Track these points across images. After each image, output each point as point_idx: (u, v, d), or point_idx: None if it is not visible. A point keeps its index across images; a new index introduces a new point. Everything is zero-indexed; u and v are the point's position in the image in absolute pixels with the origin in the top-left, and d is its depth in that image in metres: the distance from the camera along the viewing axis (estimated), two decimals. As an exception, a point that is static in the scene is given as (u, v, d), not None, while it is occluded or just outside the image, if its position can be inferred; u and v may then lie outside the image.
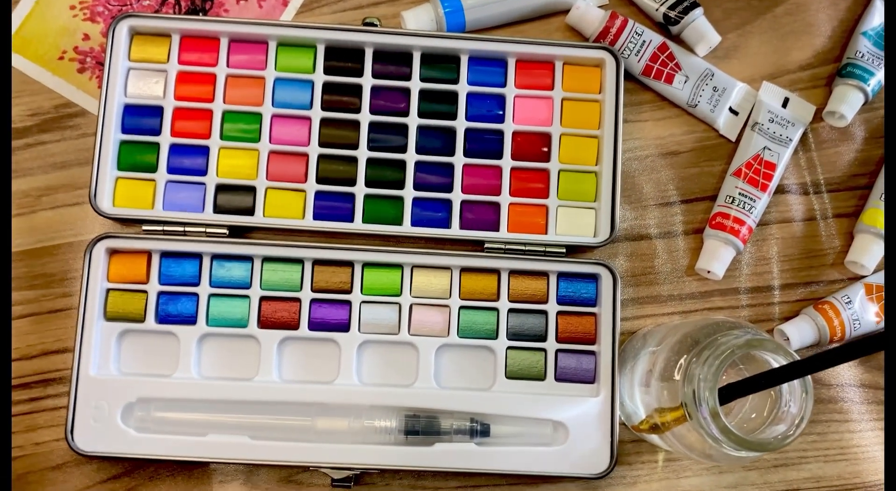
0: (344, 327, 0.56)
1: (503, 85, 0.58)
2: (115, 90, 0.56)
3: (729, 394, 0.45)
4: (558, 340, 0.56)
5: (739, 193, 0.58)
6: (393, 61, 0.58)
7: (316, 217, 0.57)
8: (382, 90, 0.58)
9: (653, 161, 0.60)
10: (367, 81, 0.58)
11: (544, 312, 0.57)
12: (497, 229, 0.57)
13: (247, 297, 0.56)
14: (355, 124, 0.57)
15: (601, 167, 0.57)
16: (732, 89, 0.60)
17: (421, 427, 0.54)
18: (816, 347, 0.57)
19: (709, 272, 0.58)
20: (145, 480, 0.55)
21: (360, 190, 0.57)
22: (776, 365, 0.46)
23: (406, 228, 0.57)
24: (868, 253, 0.57)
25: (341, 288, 0.56)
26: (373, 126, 0.58)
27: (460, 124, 0.58)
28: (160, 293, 0.56)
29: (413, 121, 0.58)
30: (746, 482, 0.57)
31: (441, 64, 0.58)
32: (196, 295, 0.56)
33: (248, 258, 0.56)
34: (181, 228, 0.56)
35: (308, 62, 0.58)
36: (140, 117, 0.57)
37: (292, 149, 0.57)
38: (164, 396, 0.54)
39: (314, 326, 0.56)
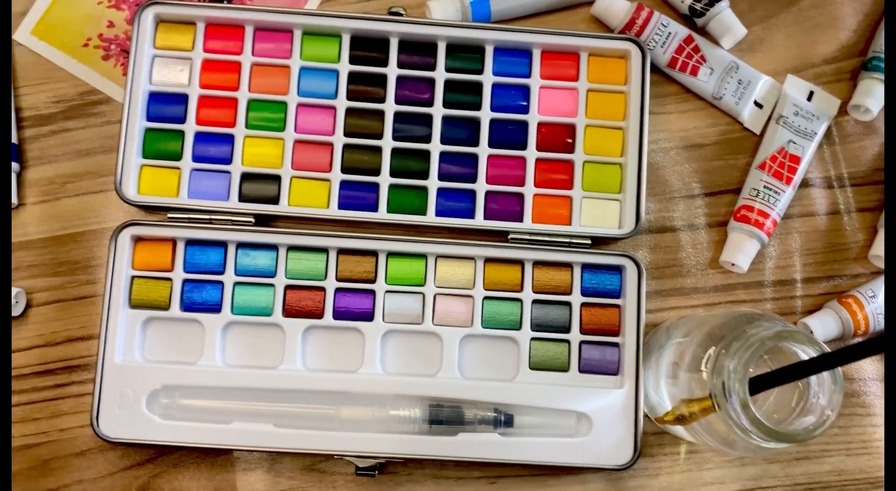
0: (368, 317, 0.56)
1: (528, 76, 0.58)
2: (141, 78, 0.56)
3: (758, 385, 0.45)
4: (582, 331, 0.56)
5: (764, 186, 0.58)
6: (418, 51, 0.58)
7: (341, 206, 0.57)
8: (407, 80, 0.58)
9: (677, 153, 0.60)
10: (392, 71, 0.58)
11: (568, 304, 0.57)
12: (521, 220, 0.57)
13: (271, 285, 0.56)
14: (380, 114, 0.57)
15: (626, 159, 0.57)
16: (757, 82, 0.60)
17: (445, 417, 0.54)
18: (840, 340, 0.57)
19: (733, 265, 0.58)
20: (169, 467, 0.56)
21: (384, 180, 0.57)
22: (804, 357, 0.46)
23: (430, 218, 0.57)
24: (893, 247, 0.57)
25: (365, 277, 0.56)
26: (397, 116, 0.58)
27: (485, 115, 0.58)
28: (185, 281, 0.56)
29: (438, 111, 0.58)
30: (768, 475, 0.57)
31: (466, 54, 0.58)
32: (221, 283, 0.56)
33: (273, 247, 0.56)
34: (207, 217, 0.56)
35: (333, 51, 0.58)
36: (165, 105, 0.57)
37: (317, 138, 0.57)
38: (189, 383, 0.54)
39: (338, 314, 0.56)
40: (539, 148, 0.58)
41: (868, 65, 0.60)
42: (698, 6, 0.59)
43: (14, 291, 0.56)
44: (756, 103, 0.60)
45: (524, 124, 0.58)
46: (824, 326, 0.56)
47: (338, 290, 0.56)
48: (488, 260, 0.57)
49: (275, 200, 0.56)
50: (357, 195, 0.57)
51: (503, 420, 0.54)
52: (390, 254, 0.57)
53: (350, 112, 0.57)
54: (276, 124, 0.57)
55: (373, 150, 0.57)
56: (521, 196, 0.57)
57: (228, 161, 0.57)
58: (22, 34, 0.60)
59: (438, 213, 0.57)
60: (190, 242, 0.56)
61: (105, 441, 0.53)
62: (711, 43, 0.60)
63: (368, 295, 0.56)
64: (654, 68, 0.59)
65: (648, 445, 0.56)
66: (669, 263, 0.59)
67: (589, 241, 0.57)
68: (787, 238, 0.59)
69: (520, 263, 0.57)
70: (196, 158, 0.57)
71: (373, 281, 0.56)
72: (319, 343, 0.56)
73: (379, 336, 0.56)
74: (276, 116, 0.57)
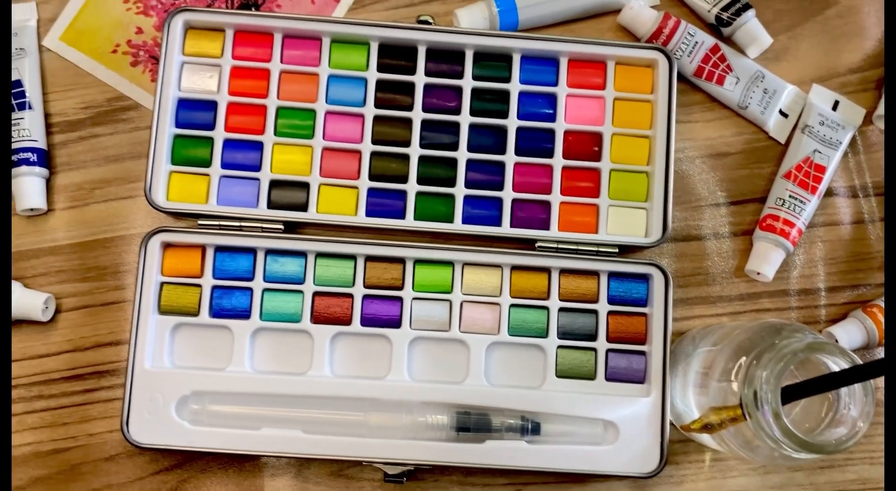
0: (395, 323, 0.56)
1: (555, 84, 0.59)
2: (170, 84, 0.57)
3: (789, 395, 0.45)
4: (609, 339, 0.56)
5: (790, 196, 0.58)
6: (445, 59, 0.58)
7: (368, 214, 0.57)
8: (435, 88, 0.58)
9: (702, 162, 0.60)
10: (419, 79, 0.58)
11: (595, 312, 0.57)
12: (547, 228, 0.57)
13: (300, 292, 0.56)
14: (408, 122, 0.58)
15: (653, 167, 0.57)
16: (783, 92, 0.60)
17: (472, 424, 0.54)
18: (865, 349, 0.58)
19: (758, 274, 0.58)
20: (197, 473, 0.56)
21: (412, 187, 0.57)
22: (834, 368, 0.46)
23: (457, 226, 0.57)
24: (918, 257, 0.58)
25: (393, 284, 0.57)
26: (425, 124, 0.58)
27: (512, 123, 0.58)
28: (214, 287, 0.56)
29: (465, 119, 0.58)
30: (793, 483, 0.57)
31: (493, 62, 0.58)
32: (250, 289, 0.56)
33: (302, 254, 0.56)
34: (236, 224, 0.56)
35: (362, 59, 0.58)
36: (194, 112, 0.57)
37: (345, 146, 0.57)
38: (218, 389, 0.55)
39: (366, 321, 0.56)
40: (566, 156, 0.58)
41: (893, 74, 0.60)
42: (725, 16, 0.59)
43: (43, 296, 0.56)
44: (781, 112, 0.60)
45: (551, 132, 0.58)
46: (849, 335, 0.57)
47: (365, 296, 0.56)
48: (515, 268, 0.57)
49: (303, 207, 0.57)
50: (385, 202, 0.57)
51: (530, 428, 0.54)
52: (417, 261, 0.57)
53: (378, 120, 0.58)
54: (305, 132, 0.57)
55: (400, 158, 0.57)
56: (547, 204, 0.58)
57: (257, 168, 0.57)
58: (51, 40, 0.60)
59: (465, 221, 0.57)
60: (219, 249, 0.56)
61: (134, 446, 0.54)
62: (737, 52, 0.60)
63: (396, 302, 0.57)
64: (680, 77, 0.60)
65: (673, 453, 0.57)
66: (695, 272, 0.59)
67: (616, 250, 0.57)
68: (811, 247, 0.60)
69: (546, 270, 0.57)
70: (225, 165, 0.57)
71: (400, 288, 0.57)
72: (347, 350, 0.56)
73: (406, 343, 0.56)
74: (305, 124, 0.57)
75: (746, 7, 0.59)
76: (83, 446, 0.56)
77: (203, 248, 0.56)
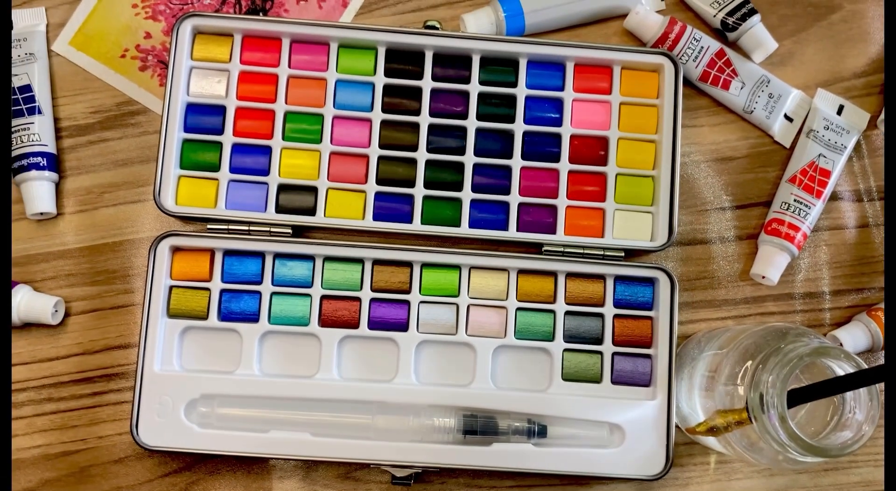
0: (403, 327, 0.57)
1: (561, 88, 0.59)
2: (179, 89, 0.57)
3: (795, 399, 0.45)
4: (615, 342, 0.57)
5: (795, 200, 0.58)
6: (452, 64, 0.59)
7: (376, 218, 0.57)
8: (442, 93, 0.58)
9: (708, 166, 0.61)
10: (426, 84, 0.58)
11: (601, 315, 0.57)
12: (554, 232, 0.58)
13: (308, 295, 0.57)
14: (415, 127, 0.58)
15: (659, 172, 0.58)
16: (788, 96, 0.60)
17: (479, 427, 0.55)
18: (869, 352, 0.58)
19: (763, 277, 0.58)
20: (205, 475, 0.56)
21: (418, 191, 0.57)
22: (840, 372, 0.47)
23: (464, 230, 0.57)
24: (922, 261, 0.58)
25: (400, 288, 0.57)
26: (432, 128, 0.58)
27: (518, 127, 0.58)
28: (223, 291, 0.57)
29: (472, 123, 0.58)
30: (797, 485, 0.57)
31: (500, 67, 0.59)
32: (258, 293, 0.56)
33: (310, 258, 0.57)
34: (245, 228, 0.56)
35: (369, 64, 0.58)
36: (202, 116, 0.58)
37: (353, 150, 0.58)
38: (227, 392, 0.55)
39: (374, 325, 0.57)
40: (572, 160, 0.58)
41: (897, 79, 0.60)
42: (730, 20, 0.60)
43: (53, 299, 0.57)
44: (786, 117, 0.61)
45: (557, 137, 0.58)
46: (854, 338, 0.57)
47: (373, 300, 0.57)
48: (521, 271, 0.58)
49: (311, 212, 0.57)
50: (392, 207, 0.57)
51: (537, 431, 0.55)
52: (424, 265, 0.57)
53: (385, 124, 0.58)
54: (313, 136, 0.58)
55: (407, 162, 0.58)
56: (554, 208, 0.58)
57: (266, 172, 0.57)
58: (60, 45, 0.60)
59: (472, 225, 0.57)
60: (228, 253, 0.57)
61: (143, 449, 0.54)
62: (743, 57, 0.61)
63: (403, 305, 0.57)
64: (686, 82, 0.60)
65: (678, 456, 0.57)
66: (700, 275, 0.59)
67: (622, 254, 0.57)
68: (816, 251, 0.60)
69: (552, 274, 0.58)
70: (233, 169, 0.57)
71: (407, 291, 0.57)
72: (355, 353, 0.57)
73: (413, 346, 0.56)
74: (313, 128, 0.58)
75: (752, 12, 0.60)
76: (92, 449, 0.57)
77: (212, 251, 0.57)
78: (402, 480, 0.54)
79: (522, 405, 0.55)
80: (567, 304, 0.57)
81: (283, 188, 0.57)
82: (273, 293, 0.57)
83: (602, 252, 0.57)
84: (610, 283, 0.57)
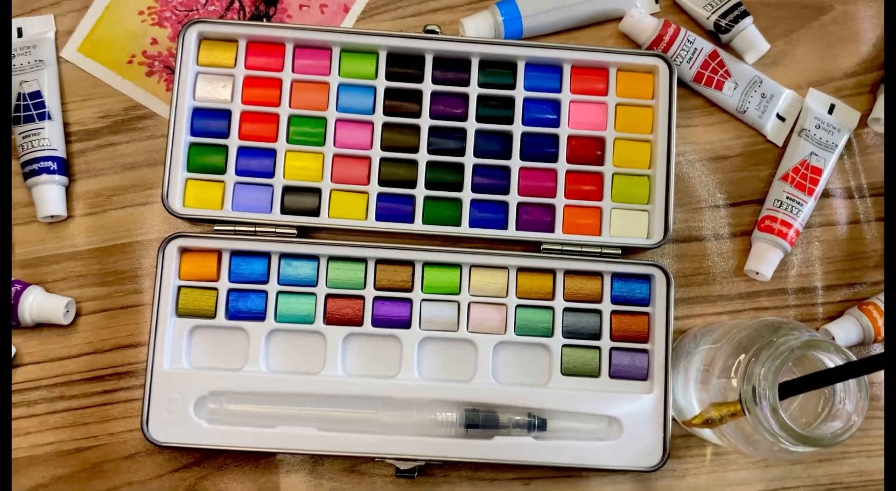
0: (405, 324, 0.58)
1: (559, 90, 0.60)
2: (185, 94, 0.58)
3: (786, 391, 0.47)
4: (612, 338, 0.58)
5: (787, 197, 0.60)
6: (452, 67, 0.60)
7: (378, 218, 0.59)
8: (442, 95, 0.60)
9: (702, 165, 0.62)
10: (427, 87, 0.60)
11: (599, 311, 0.59)
12: (552, 230, 0.59)
13: (313, 294, 0.58)
14: (416, 129, 0.59)
15: (654, 171, 0.59)
16: (780, 96, 0.62)
17: (481, 421, 0.56)
18: (861, 346, 0.59)
19: (757, 273, 0.60)
20: (214, 470, 0.58)
21: (420, 192, 0.59)
22: (830, 364, 0.48)
23: (464, 229, 0.59)
24: (912, 256, 0.59)
25: (403, 286, 0.58)
26: (432, 130, 0.60)
27: (517, 128, 0.60)
28: (230, 290, 0.58)
29: (471, 125, 0.60)
30: (791, 476, 0.59)
31: (498, 70, 0.60)
32: (265, 292, 0.58)
33: (315, 257, 0.58)
34: (251, 229, 0.58)
35: (370, 68, 0.60)
36: (208, 120, 0.59)
37: (356, 152, 0.59)
38: (235, 389, 0.56)
39: (377, 322, 0.58)
40: (569, 160, 0.60)
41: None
42: (723, 22, 0.61)
43: (64, 300, 0.58)
44: (779, 116, 0.62)
45: (555, 137, 0.60)
46: (846, 332, 0.58)
47: (376, 298, 0.58)
48: (521, 269, 0.59)
49: (316, 213, 0.58)
50: (394, 207, 0.59)
51: (537, 424, 0.56)
52: (426, 263, 0.59)
53: (387, 127, 0.59)
54: (316, 139, 0.59)
55: (409, 164, 0.59)
56: (552, 207, 0.59)
57: (271, 175, 0.59)
58: (68, 52, 0.62)
59: (472, 224, 0.59)
60: (235, 253, 0.58)
61: (154, 445, 0.55)
62: (736, 58, 0.62)
63: (405, 303, 0.58)
64: (681, 83, 0.61)
65: (675, 447, 0.58)
66: (696, 272, 0.61)
67: (619, 251, 0.59)
68: (808, 247, 0.61)
69: (551, 272, 0.59)
70: (239, 172, 0.59)
71: (410, 290, 0.58)
72: (359, 350, 0.58)
73: (416, 343, 0.58)
74: (316, 131, 0.59)
75: (744, 14, 0.61)
76: (104, 445, 0.58)
77: (219, 252, 0.58)
78: (406, 472, 0.56)
79: (522, 399, 0.57)
80: (566, 300, 0.59)
81: (287, 190, 0.59)
82: (279, 292, 0.58)
83: (599, 250, 0.59)
84: (607, 279, 0.59)
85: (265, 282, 0.58)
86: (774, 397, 0.46)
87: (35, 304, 0.58)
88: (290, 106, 0.59)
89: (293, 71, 0.60)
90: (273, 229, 0.58)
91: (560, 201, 0.59)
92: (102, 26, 0.62)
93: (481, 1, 0.63)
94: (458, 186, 0.59)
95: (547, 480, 0.58)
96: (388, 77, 0.60)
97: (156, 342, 0.56)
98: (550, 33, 0.62)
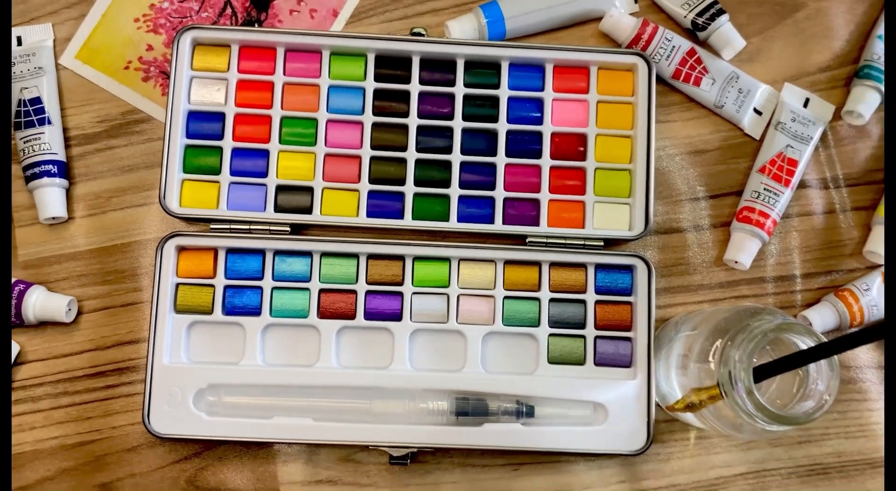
0: (397, 317, 0.60)
1: (541, 89, 0.62)
2: (180, 98, 0.60)
3: (762, 373, 0.49)
4: (597, 327, 0.60)
5: (764, 188, 0.62)
6: (438, 68, 0.62)
7: (369, 215, 0.61)
8: (429, 96, 0.62)
9: (682, 159, 0.64)
10: (414, 88, 0.62)
11: (583, 302, 0.61)
12: (537, 224, 0.61)
13: (307, 289, 0.60)
14: (404, 128, 0.61)
15: (635, 165, 0.61)
16: (756, 91, 0.64)
17: (470, 409, 0.58)
18: (837, 331, 0.61)
19: (736, 262, 0.62)
20: (214, 461, 0.60)
21: (409, 189, 0.61)
22: (804, 347, 0.50)
23: (453, 224, 0.61)
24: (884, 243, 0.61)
25: (394, 280, 0.60)
26: (420, 129, 0.62)
27: (502, 126, 0.62)
28: (226, 287, 0.60)
29: (458, 124, 0.62)
30: (773, 457, 0.61)
31: (483, 70, 0.62)
32: (260, 288, 0.60)
33: (308, 254, 0.60)
34: (246, 227, 0.60)
35: (359, 70, 0.62)
36: (203, 123, 0.61)
37: (346, 151, 0.61)
38: (233, 382, 0.58)
39: (369, 315, 0.60)
40: (553, 156, 0.62)
41: (860, 72, 0.64)
42: (700, 20, 0.63)
43: (66, 299, 0.60)
44: (755, 111, 0.64)
45: (539, 135, 0.62)
46: (822, 318, 0.60)
47: (368, 292, 0.60)
48: (508, 262, 0.61)
49: (308, 210, 0.60)
50: (384, 204, 0.61)
51: (525, 411, 0.58)
52: (416, 258, 0.61)
53: (376, 126, 0.61)
54: (308, 139, 0.61)
55: (398, 162, 0.61)
56: (537, 202, 0.61)
57: (264, 174, 0.61)
58: (67, 59, 0.64)
59: (460, 219, 0.61)
60: (230, 251, 0.60)
61: (155, 437, 0.57)
62: (713, 55, 0.64)
63: (397, 297, 0.60)
64: (660, 80, 0.63)
65: (660, 432, 0.60)
66: (677, 262, 0.63)
67: (601, 243, 0.61)
68: (786, 236, 0.63)
69: (537, 264, 0.61)
70: (234, 172, 0.61)
71: (400, 283, 0.60)
72: (352, 342, 0.60)
73: (407, 335, 0.60)
74: (308, 132, 0.61)
75: (720, 12, 0.63)
76: (107, 439, 0.60)
77: (215, 250, 0.60)
78: (400, 459, 0.57)
79: (511, 387, 0.59)
80: (551, 291, 0.61)
81: (280, 189, 0.61)
82: (274, 288, 0.60)
83: (583, 242, 0.61)
84: (591, 271, 0.61)
85: (260, 278, 0.60)
86: (749, 379, 0.48)
87: (38, 303, 0.59)
88: (282, 108, 0.61)
89: (284, 74, 0.62)
90: (267, 227, 0.60)
91: (544, 196, 0.61)
92: (99, 34, 0.64)
93: (466, 4, 0.65)
94: (446, 183, 0.61)
95: (535, 466, 0.60)
96: (377, 78, 0.62)
97: (155, 338, 0.58)
98: (533, 34, 0.64)
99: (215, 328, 0.60)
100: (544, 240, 0.61)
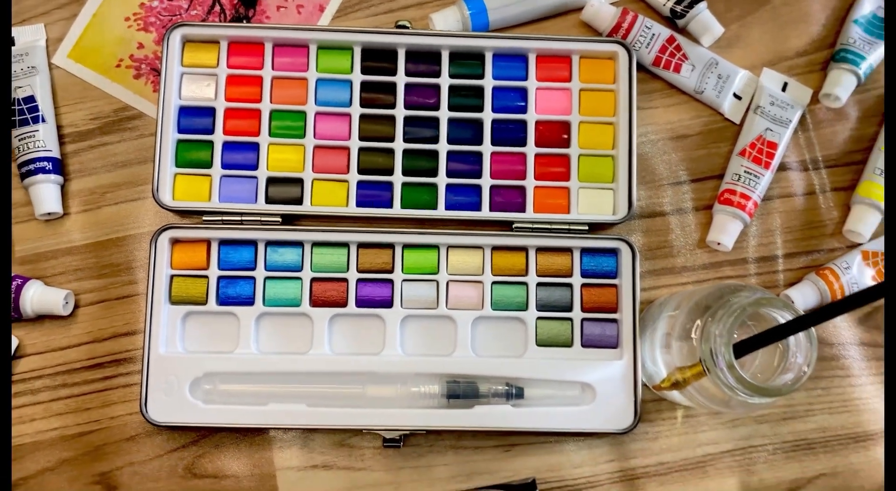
0: (388, 304, 0.61)
1: (525, 78, 0.64)
2: (171, 94, 0.62)
3: (742, 349, 0.50)
4: (583, 309, 0.61)
5: (745, 171, 0.63)
6: (424, 60, 0.63)
7: (359, 204, 0.62)
8: (415, 87, 0.63)
9: (664, 144, 0.65)
10: (400, 79, 0.63)
11: (569, 285, 0.62)
12: (524, 210, 0.62)
13: (299, 278, 0.61)
14: (391, 119, 0.63)
15: (617, 151, 0.62)
16: (735, 76, 0.65)
17: (461, 391, 0.59)
18: (819, 309, 0.62)
19: (719, 244, 0.63)
20: (211, 448, 0.61)
21: (397, 178, 0.62)
22: (783, 321, 0.51)
23: (441, 212, 0.62)
24: (864, 222, 0.63)
25: (384, 268, 0.62)
26: (407, 120, 0.63)
27: (487, 116, 0.63)
28: (220, 278, 0.61)
29: (444, 114, 0.63)
30: (758, 434, 0.62)
31: (468, 61, 0.63)
32: (253, 278, 0.61)
33: (299, 243, 0.61)
34: (238, 218, 0.61)
35: (346, 63, 0.63)
36: (194, 118, 0.62)
37: (335, 143, 0.62)
38: (228, 370, 0.59)
39: (361, 303, 0.61)
40: (538, 144, 0.63)
41: (837, 57, 0.65)
42: (679, 8, 0.64)
43: (63, 293, 0.61)
44: (735, 95, 0.65)
45: (523, 123, 0.63)
46: (804, 296, 0.62)
47: (359, 280, 0.61)
48: (495, 248, 0.62)
49: (299, 201, 0.62)
50: (373, 193, 0.62)
51: (514, 393, 0.59)
52: (405, 246, 0.62)
53: (364, 118, 0.63)
54: (297, 132, 0.62)
55: (386, 152, 0.62)
56: (522, 189, 0.62)
57: (255, 167, 0.62)
58: (59, 58, 0.65)
59: (448, 207, 0.62)
60: (223, 242, 0.61)
61: (153, 426, 0.58)
62: (692, 42, 0.65)
63: (387, 284, 0.61)
64: (640, 67, 0.64)
65: (647, 411, 0.61)
66: (661, 245, 0.64)
67: (586, 228, 0.62)
68: (767, 218, 0.65)
69: (524, 249, 0.62)
70: (225, 166, 0.62)
71: (391, 271, 0.62)
72: (344, 329, 0.61)
73: (398, 321, 0.61)
74: (297, 125, 0.62)
75: (698, 0, 0.64)
76: (105, 429, 0.61)
77: (208, 242, 0.61)
78: (392, 442, 0.59)
79: (500, 370, 0.60)
80: (538, 276, 0.62)
81: (271, 181, 0.62)
82: (266, 278, 0.61)
83: (568, 227, 0.62)
84: (577, 255, 0.62)
85: (253, 268, 0.61)
86: (730, 353, 0.50)
87: (35, 297, 0.61)
88: (271, 101, 0.62)
89: (273, 68, 0.63)
90: (259, 218, 0.61)
91: (530, 183, 0.62)
92: (91, 33, 0.65)
93: (449, -4, 0.66)
94: (434, 172, 0.62)
95: (526, 446, 0.61)
96: (364, 71, 0.63)
97: (151, 329, 0.59)
98: (516, 25, 0.66)
99: (210, 318, 0.61)
100: (530, 226, 0.62)
